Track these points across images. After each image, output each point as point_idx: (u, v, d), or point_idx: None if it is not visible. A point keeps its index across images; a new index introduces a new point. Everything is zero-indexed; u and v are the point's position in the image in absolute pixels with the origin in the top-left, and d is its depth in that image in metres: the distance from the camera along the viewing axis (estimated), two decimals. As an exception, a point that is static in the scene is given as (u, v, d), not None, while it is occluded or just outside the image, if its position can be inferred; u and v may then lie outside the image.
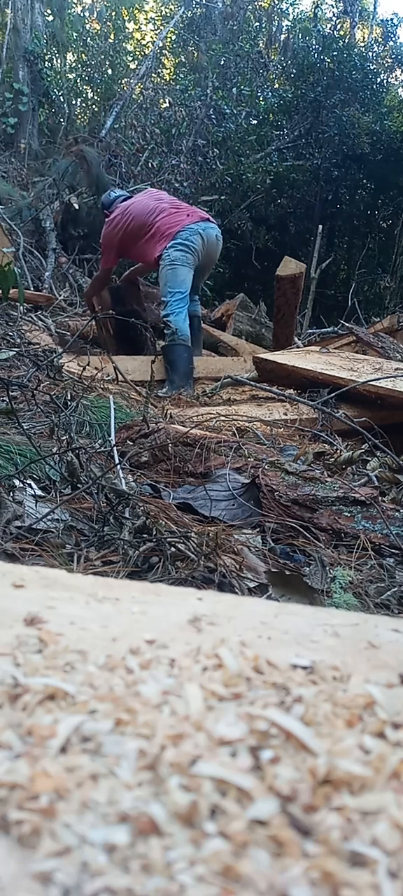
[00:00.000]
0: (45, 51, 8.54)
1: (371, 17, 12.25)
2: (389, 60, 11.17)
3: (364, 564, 1.38)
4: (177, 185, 7.88)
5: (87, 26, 10.38)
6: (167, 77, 10.41)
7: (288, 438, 2.51)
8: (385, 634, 0.51)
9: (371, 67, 9.97)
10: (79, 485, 1.51)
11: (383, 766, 0.33)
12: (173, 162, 8.14)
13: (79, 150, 7.02)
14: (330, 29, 10.54)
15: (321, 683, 0.41)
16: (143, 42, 11.36)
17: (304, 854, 0.27)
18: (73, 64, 10.06)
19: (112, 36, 10.45)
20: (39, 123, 8.70)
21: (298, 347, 4.31)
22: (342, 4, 11.45)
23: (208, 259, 4.08)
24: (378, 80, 10.04)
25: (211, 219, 4.12)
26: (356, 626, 0.52)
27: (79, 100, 10.24)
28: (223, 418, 2.62)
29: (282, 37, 10.89)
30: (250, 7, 10.78)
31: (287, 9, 11.14)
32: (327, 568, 1.31)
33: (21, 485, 1.44)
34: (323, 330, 6.16)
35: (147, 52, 10.38)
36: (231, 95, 9.11)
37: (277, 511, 1.58)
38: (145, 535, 1.29)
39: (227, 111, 8.74)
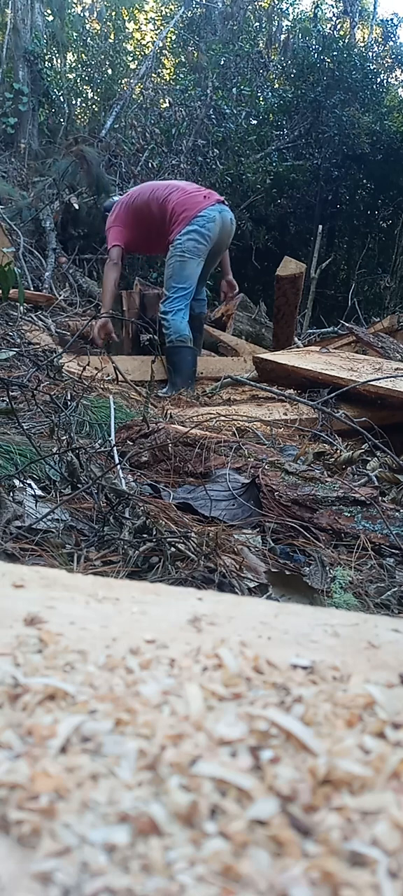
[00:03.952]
0: (45, 51, 8.53)
1: (371, 17, 12.26)
2: (389, 60, 11.18)
3: (364, 564, 1.38)
4: (177, 184, 7.87)
5: (87, 26, 10.38)
6: (167, 77, 10.41)
7: (288, 438, 2.51)
8: (385, 634, 0.51)
9: (371, 67, 9.98)
10: (79, 485, 1.51)
11: (383, 766, 0.33)
12: (173, 162, 8.14)
13: (79, 150, 7.02)
14: (330, 29, 10.55)
15: (321, 683, 0.41)
16: (143, 42, 11.36)
17: (304, 854, 0.27)
18: (73, 64, 10.06)
19: (112, 36, 10.45)
20: (39, 123, 8.69)
21: (298, 347, 4.31)
22: (342, 4, 11.45)
23: (221, 244, 3.83)
24: (378, 80, 10.05)
25: (225, 202, 3.88)
26: (356, 626, 0.52)
27: (79, 100, 10.25)
28: (223, 418, 2.61)
29: (282, 37, 10.89)
30: (250, 7, 10.78)
31: (287, 9, 11.14)
32: (327, 568, 1.31)
33: (21, 485, 1.44)
34: (323, 330, 6.16)
35: (147, 52, 10.38)
36: (231, 95, 9.11)
37: (277, 511, 1.58)
38: (145, 535, 1.29)
39: (227, 111, 8.74)
